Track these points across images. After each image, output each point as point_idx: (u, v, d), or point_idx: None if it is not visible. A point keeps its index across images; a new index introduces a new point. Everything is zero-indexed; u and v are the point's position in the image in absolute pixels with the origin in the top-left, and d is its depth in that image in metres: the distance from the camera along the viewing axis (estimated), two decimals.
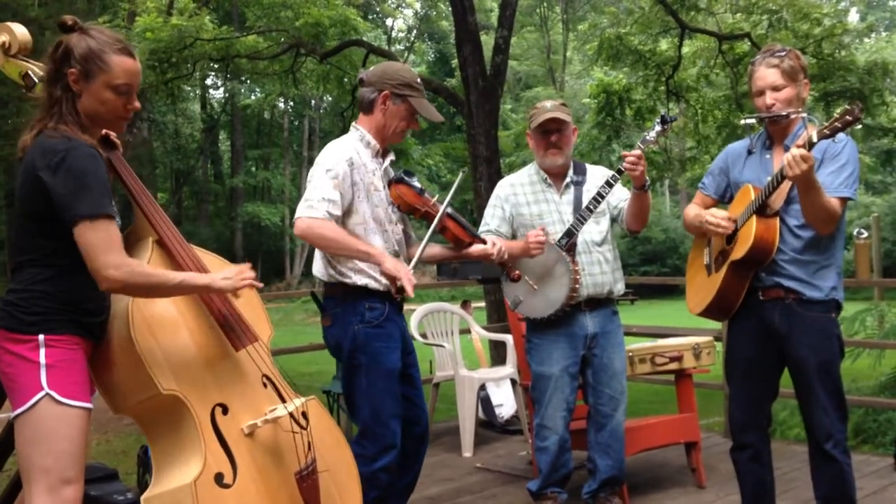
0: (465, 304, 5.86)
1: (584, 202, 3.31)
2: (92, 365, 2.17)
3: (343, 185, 2.74)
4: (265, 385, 2.41)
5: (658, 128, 3.19)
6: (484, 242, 2.95)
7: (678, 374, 4.00)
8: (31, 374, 2.03)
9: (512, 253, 3.09)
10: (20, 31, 2.30)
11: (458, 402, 4.79)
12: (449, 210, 2.89)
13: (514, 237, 3.42)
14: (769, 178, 2.66)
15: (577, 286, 3.25)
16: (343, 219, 2.76)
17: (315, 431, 2.41)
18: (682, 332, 5.10)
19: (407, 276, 2.69)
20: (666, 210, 30.76)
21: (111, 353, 2.20)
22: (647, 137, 3.19)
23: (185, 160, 30.36)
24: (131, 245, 2.33)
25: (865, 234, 12.28)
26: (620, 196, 3.40)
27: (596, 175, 3.46)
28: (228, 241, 28.81)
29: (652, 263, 25.91)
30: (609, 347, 3.40)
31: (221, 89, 29.96)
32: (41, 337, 2.05)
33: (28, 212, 2.09)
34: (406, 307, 2.90)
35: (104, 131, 2.28)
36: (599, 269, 3.36)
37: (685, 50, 10.19)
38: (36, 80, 2.31)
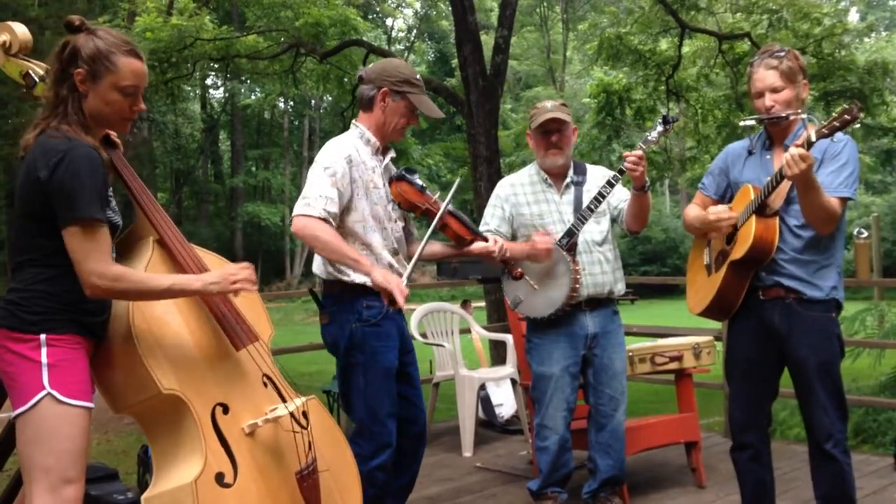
0: (465, 304, 5.86)
1: (585, 202, 3.31)
2: (93, 364, 2.17)
3: (341, 182, 2.74)
4: (266, 384, 2.41)
5: (660, 128, 3.19)
6: (485, 240, 2.95)
7: (678, 374, 4.00)
8: (33, 374, 2.03)
9: (516, 256, 3.09)
10: (21, 30, 2.30)
11: (458, 401, 4.79)
12: (450, 207, 2.88)
13: (514, 237, 3.42)
14: (768, 179, 2.66)
15: (578, 286, 3.25)
16: (342, 216, 2.76)
17: (315, 431, 2.42)
18: (683, 331, 5.10)
19: (398, 287, 2.67)
20: (666, 210, 30.75)
21: (112, 352, 2.20)
22: (649, 138, 3.19)
23: (185, 160, 30.34)
24: (132, 244, 2.33)
25: (865, 234, 12.28)
26: (621, 196, 3.40)
27: (596, 175, 3.46)
28: (228, 241, 28.80)
29: (652, 263, 25.90)
30: (609, 347, 3.40)
31: (221, 89, 29.98)
32: (43, 336, 2.05)
33: (28, 212, 2.09)
34: (406, 306, 2.90)
35: (106, 131, 2.28)
36: (600, 268, 3.36)
37: (685, 49, 10.19)
38: (37, 79, 2.31)
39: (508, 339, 5.02)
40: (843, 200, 2.64)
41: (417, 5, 32.04)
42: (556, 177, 3.43)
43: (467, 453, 4.67)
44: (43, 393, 2.02)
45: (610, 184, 3.24)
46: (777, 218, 2.71)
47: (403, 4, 32.81)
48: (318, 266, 2.89)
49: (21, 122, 11.47)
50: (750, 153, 2.87)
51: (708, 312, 2.94)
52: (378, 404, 2.78)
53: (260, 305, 2.52)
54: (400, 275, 2.81)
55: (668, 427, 3.95)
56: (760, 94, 2.74)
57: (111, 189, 2.20)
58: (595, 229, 3.37)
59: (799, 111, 2.71)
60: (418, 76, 2.90)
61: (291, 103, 31.31)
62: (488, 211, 3.49)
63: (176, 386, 2.18)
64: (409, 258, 2.96)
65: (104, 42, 2.12)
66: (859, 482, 3.03)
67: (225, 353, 2.33)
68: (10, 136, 11.70)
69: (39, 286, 2.08)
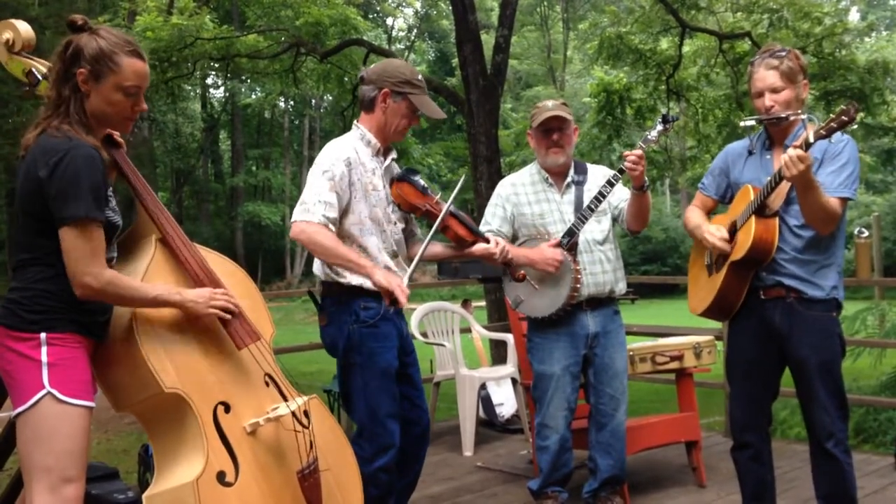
0: (465, 304, 5.86)
1: (586, 201, 3.31)
2: (94, 363, 2.18)
3: (340, 185, 2.74)
4: (267, 384, 2.41)
5: (659, 127, 3.18)
6: (487, 241, 2.94)
7: (679, 374, 4.00)
8: (33, 373, 2.03)
9: (520, 262, 3.09)
10: (24, 28, 2.30)
11: (459, 401, 4.79)
12: (452, 208, 2.87)
13: (514, 237, 3.42)
14: (768, 179, 2.66)
15: (579, 285, 3.25)
16: (340, 219, 2.76)
17: (317, 430, 2.41)
18: (683, 331, 5.11)
19: (399, 287, 2.68)
20: (666, 209, 30.76)
21: (114, 350, 2.20)
22: (649, 137, 3.19)
23: (185, 159, 30.36)
24: (135, 242, 2.34)
25: (866, 234, 12.27)
26: (621, 196, 3.39)
27: (597, 174, 3.45)
28: (229, 241, 28.82)
29: (652, 263, 25.92)
30: (610, 347, 3.40)
31: (222, 88, 29.99)
32: (43, 335, 2.05)
33: (29, 211, 2.09)
34: (407, 306, 2.90)
35: (108, 130, 2.28)
36: (601, 268, 3.36)
37: (686, 49, 10.19)
38: (39, 77, 2.31)
39: (509, 338, 5.02)
40: (844, 200, 2.64)
41: (418, 4, 32.06)
42: (557, 176, 3.43)
43: (468, 453, 4.68)
44: (43, 392, 2.02)
45: (610, 183, 3.24)
46: (777, 218, 2.71)
47: (404, 4, 32.83)
48: (317, 266, 2.90)
49: (22, 120, 11.48)
50: (750, 153, 2.87)
51: (709, 313, 2.94)
52: (377, 405, 2.78)
53: (262, 305, 2.52)
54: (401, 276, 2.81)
55: (668, 426, 3.95)
56: (760, 94, 2.74)
57: (112, 189, 2.20)
58: (596, 229, 3.37)
59: (799, 111, 2.71)
60: (420, 77, 2.89)
61: (292, 103, 31.34)
62: (489, 210, 3.49)
63: (178, 385, 2.18)
64: (409, 259, 2.96)
65: (107, 42, 2.12)
66: (860, 482, 3.03)
67: (227, 352, 2.33)
68: (10, 135, 11.70)
69: (40, 285, 2.08)
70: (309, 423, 2.40)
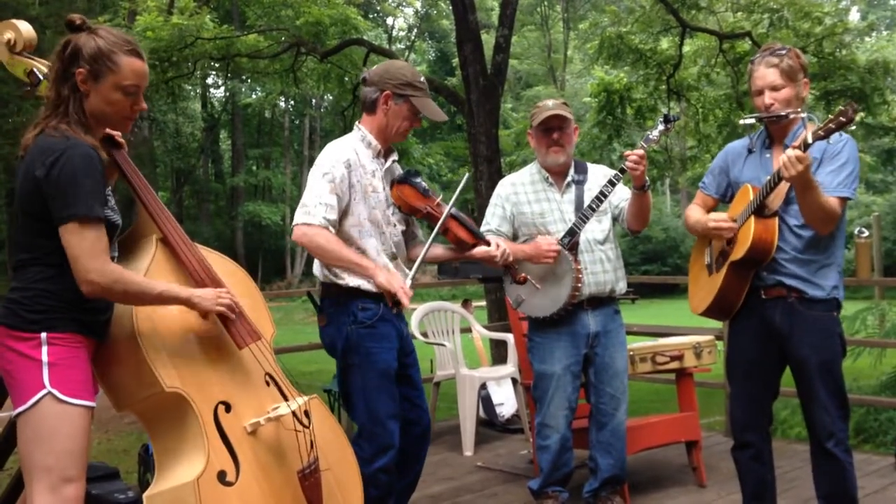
0: (465, 303, 5.86)
1: (586, 201, 3.31)
2: (95, 362, 2.18)
3: (340, 187, 2.74)
4: (268, 383, 2.41)
5: (661, 127, 3.18)
6: (488, 244, 2.94)
7: (679, 373, 4.00)
8: (34, 372, 2.03)
9: (517, 257, 3.08)
10: (25, 28, 2.30)
11: (459, 401, 4.79)
12: (453, 211, 2.87)
13: (515, 236, 3.42)
14: (767, 179, 2.66)
15: (580, 285, 3.25)
16: (339, 220, 2.77)
17: (317, 430, 2.42)
18: (683, 331, 5.11)
19: (402, 288, 2.69)
20: (666, 209, 30.76)
21: (115, 349, 2.20)
22: (650, 137, 3.18)
23: (185, 159, 30.35)
24: (136, 242, 2.34)
25: (866, 234, 12.26)
26: (622, 195, 3.39)
27: (597, 174, 3.45)
28: (229, 240, 28.82)
29: (653, 262, 25.92)
30: (611, 346, 3.40)
31: (222, 88, 29.98)
32: (43, 335, 2.05)
33: (28, 211, 2.09)
34: (408, 307, 2.89)
35: (108, 130, 2.28)
36: (601, 267, 3.36)
37: (686, 49, 10.19)
38: (41, 77, 2.32)
39: (509, 338, 5.02)
40: (843, 200, 2.64)
41: (418, 4, 32.06)
42: (557, 175, 3.43)
43: (468, 452, 4.68)
44: (43, 392, 2.02)
45: (612, 183, 3.24)
46: (776, 218, 2.71)
47: (404, 3, 32.84)
48: (316, 268, 2.91)
49: (22, 120, 11.48)
50: (750, 152, 2.87)
51: (709, 312, 2.94)
52: (377, 406, 2.78)
53: (262, 304, 2.52)
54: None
55: (669, 426, 3.95)
56: (760, 92, 2.73)
57: (110, 188, 2.20)
58: (597, 228, 3.36)
59: (799, 110, 2.71)
60: (422, 79, 2.89)
61: (292, 102, 31.34)
62: (489, 210, 3.49)
63: (179, 384, 2.18)
64: (409, 261, 2.96)
65: (106, 41, 2.12)
66: (860, 481, 3.02)
67: (228, 352, 2.33)
68: (10, 134, 11.70)
69: (40, 285, 2.08)
70: (309, 423, 2.40)
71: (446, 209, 2.85)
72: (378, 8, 30.00)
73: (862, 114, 9.56)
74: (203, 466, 2.14)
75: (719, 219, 2.81)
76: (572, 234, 3.27)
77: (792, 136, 2.73)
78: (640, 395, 7.16)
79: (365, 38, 11.16)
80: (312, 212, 2.69)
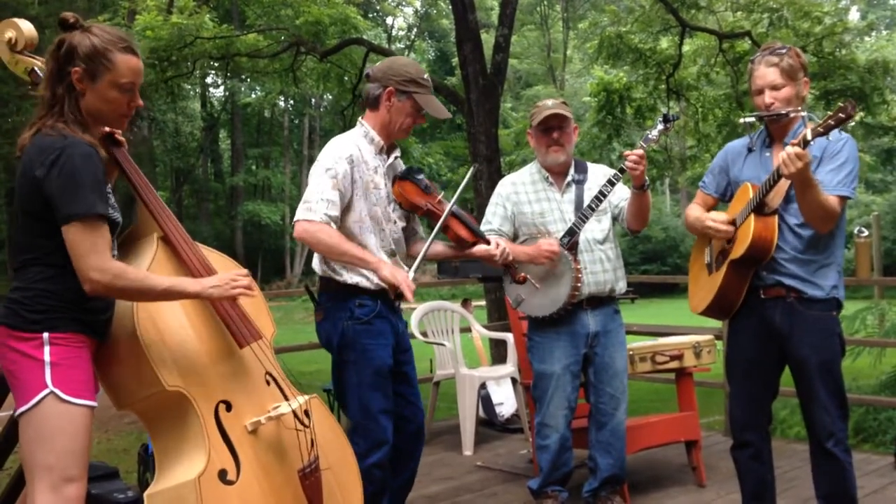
0: (465, 303, 5.86)
1: (586, 201, 3.31)
2: (97, 361, 2.18)
3: (342, 183, 2.74)
4: (268, 382, 2.41)
5: (660, 126, 3.18)
6: (488, 242, 2.94)
7: (679, 373, 4.00)
8: (36, 372, 2.03)
9: (518, 258, 3.08)
10: (26, 27, 2.29)
11: (459, 400, 4.79)
12: (454, 209, 2.87)
13: (515, 236, 3.42)
14: (766, 177, 2.66)
15: (580, 284, 3.25)
16: (341, 216, 2.77)
17: (317, 429, 2.42)
18: (683, 330, 5.11)
19: (405, 282, 2.69)
20: (666, 209, 30.77)
21: (116, 349, 2.20)
22: (650, 136, 3.19)
23: (185, 159, 30.35)
24: (136, 241, 2.34)
25: (866, 233, 12.26)
26: (622, 195, 3.39)
27: (597, 173, 3.46)
28: (229, 240, 28.82)
29: (652, 262, 25.93)
30: (610, 346, 3.40)
31: (221, 88, 29.98)
32: (46, 335, 2.05)
33: (28, 211, 2.09)
34: (407, 306, 2.90)
35: (109, 129, 2.28)
36: (601, 267, 3.36)
37: (686, 48, 10.19)
38: (42, 75, 2.31)
39: (509, 337, 5.02)
40: (842, 199, 2.64)
41: (418, 4, 32.08)
42: (557, 175, 3.43)
43: (468, 452, 4.68)
44: (46, 391, 2.02)
45: (611, 182, 3.24)
46: (776, 216, 2.71)
47: (404, 3, 32.86)
48: (315, 263, 2.91)
49: (22, 120, 11.48)
50: (750, 151, 2.88)
51: (709, 312, 2.94)
52: (370, 401, 2.79)
53: (262, 304, 2.52)
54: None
55: (668, 426, 3.95)
56: (760, 91, 2.74)
57: (110, 187, 2.20)
58: (596, 228, 3.37)
59: (799, 109, 2.71)
60: (426, 75, 2.88)
61: (291, 102, 31.33)
62: (490, 209, 3.49)
63: (180, 383, 2.18)
64: (409, 258, 2.96)
65: (100, 39, 2.11)
66: (860, 481, 3.03)
67: (229, 351, 2.33)
68: (10, 134, 11.71)
69: (41, 285, 2.08)
70: (310, 422, 2.40)
71: (447, 207, 2.85)
72: (378, 7, 30.01)
73: (862, 113, 9.56)
74: (204, 465, 2.14)
75: (717, 220, 2.81)
76: (572, 233, 3.27)
77: (792, 135, 2.73)
78: (640, 395, 7.16)
79: (364, 37, 11.15)
80: (314, 208, 2.69)
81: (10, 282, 2.16)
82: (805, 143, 2.46)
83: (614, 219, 3.45)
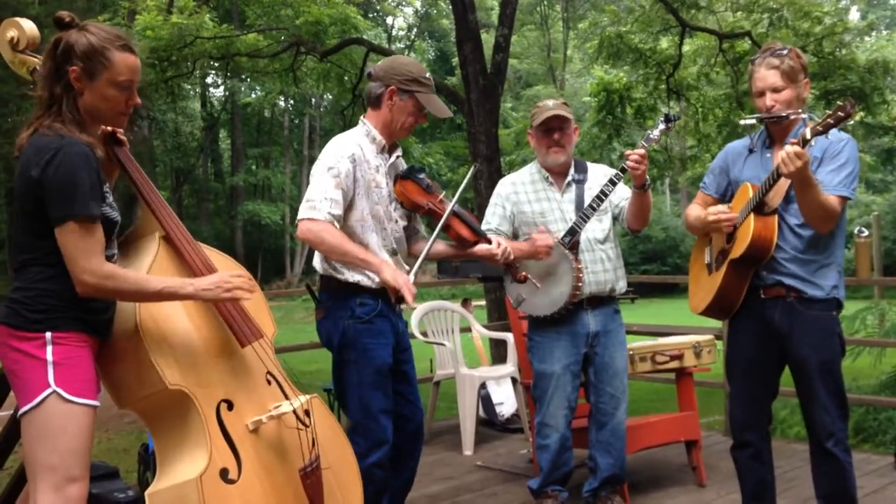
0: (465, 303, 5.87)
1: (586, 200, 3.31)
2: (99, 360, 2.18)
3: (345, 182, 2.74)
4: (269, 382, 2.42)
5: (661, 126, 3.19)
6: (489, 242, 2.94)
7: (679, 373, 4.00)
8: (38, 372, 2.03)
9: (517, 255, 3.09)
10: (28, 26, 2.29)
11: (459, 400, 4.79)
12: (455, 208, 2.87)
13: (515, 236, 3.42)
14: (766, 177, 2.67)
15: (581, 284, 3.25)
16: (343, 215, 2.77)
17: (318, 429, 2.42)
18: (683, 330, 5.11)
19: (407, 285, 2.68)
20: (666, 209, 30.78)
21: (118, 347, 2.20)
22: (651, 136, 3.19)
23: (185, 158, 30.35)
24: (138, 240, 2.34)
25: (866, 233, 12.25)
26: (622, 195, 3.40)
27: (597, 173, 3.46)
28: (229, 240, 28.82)
29: (652, 262, 25.94)
30: (611, 346, 3.40)
31: (222, 87, 29.98)
32: (48, 334, 2.05)
33: (25, 211, 2.09)
34: (404, 305, 2.89)
35: (111, 129, 2.28)
36: (602, 266, 3.36)
37: (686, 48, 10.19)
38: None
39: (509, 337, 5.02)
40: (842, 199, 2.64)
41: (418, 3, 32.08)
42: (557, 175, 3.43)
43: (468, 452, 4.68)
44: (48, 391, 2.02)
45: (612, 182, 3.24)
46: (776, 216, 2.71)
47: (404, 3, 32.85)
48: (316, 261, 2.91)
49: (21, 120, 11.47)
50: (751, 151, 2.88)
51: (709, 311, 2.94)
52: (370, 401, 2.79)
53: (263, 303, 2.52)
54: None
55: (668, 426, 3.96)
56: (761, 94, 2.74)
57: (107, 185, 2.20)
58: (597, 227, 3.37)
59: (800, 111, 2.71)
60: (427, 75, 2.89)
61: (292, 102, 31.34)
62: (490, 209, 3.49)
63: (182, 381, 2.18)
64: (410, 257, 2.96)
65: (97, 38, 2.11)
66: (860, 481, 3.03)
67: (230, 350, 2.33)
68: (10, 134, 11.70)
69: (42, 284, 2.08)
70: (311, 422, 2.40)
71: (449, 206, 2.85)
72: (378, 7, 30.00)
73: (862, 113, 9.57)
74: (206, 464, 2.14)
75: (718, 210, 2.80)
76: (573, 233, 3.27)
77: (792, 137, 2.73)
78: (640, 395, 7.17)
79: (365, 37, 11.16)
80: (318, 207, 2.69)
81: (10, 282, 2.16)
82: (804, 143, 2.46)
83: (615, 218, 3.45)
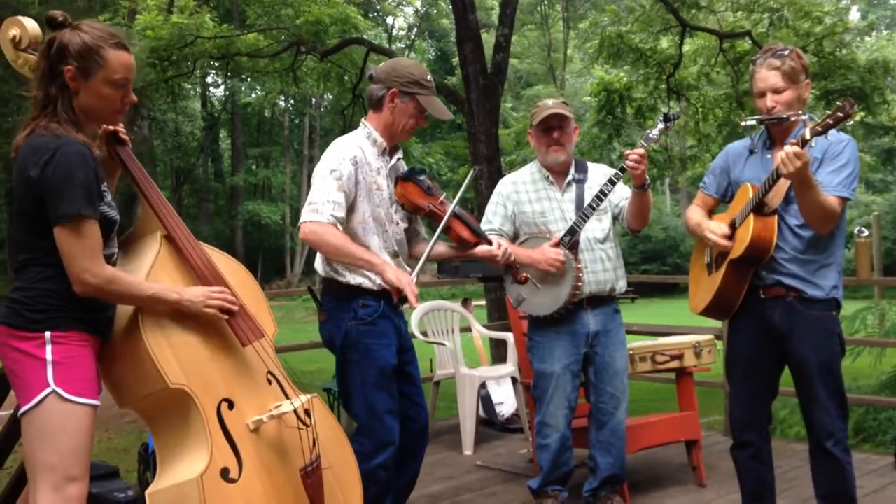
0: (465, 303, 5.87)
1: (587, 200, 3.31)
2: (100, 359, 2.18)
3: (347, 184, 2.75)
4: (270, 381, 2.42)
5: (661, 126, 3.18)
6: (490, 243, 2.94)
7: (679, 373, 4.00)
8: (38, 371, 2.03)
9: (523, 262, 3.09)
10: (30, 24, 2.29)
11: (459, 400, 4.79)
12: (456, 210, 2.87)
13: (516, 235, 3.42)
14: (766, 177, 2.67)
15: (580, 284, 3.25)
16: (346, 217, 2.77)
17: (318, 428, 2.42)
18: (683, 330, 5.11)
19: (410, 285, 2.69)
20: (666, 209, 30.78)
21: (119, 347, 2.21)
22: (650, 136, 3.19)
23: (185, 158, 30.35)
24: (140, 239, 2.35)
25: (866, 233, 12.25)
26: (622, 194, 3.40)
27: (597, 173, 3.46)
28: (229, 239, 28.82)
29: (652, 262, 25.94)
30: (611, 346, 3.40)
31: (222, 87, 29.99)
32: (48, 334, 2.05)
33: (24, 211, 2.09)
34: (406, 305, 2.90)
35: (113, 128, 2.28)
36: (602, 266, 3.36)
37: (686, 48, 10.19)
38: None
39: (509, 337, 5.02)
40: (842, 200, 2.64)
41: (418, 3, 32.07)
42: (557, 174, 3.43)
43: (468, 452, 4.68)
44: (48, 390, 2.02)
45: (612, 182, 3.24)
46: (775, 216, 2.72)
47: (404, 3, 32.84)
48: (318, 263, 2.92)
49: (21, 119, 11.47)
50: (751, 152, 2.88)
51: (709, 311, 2.94)
52: (375, 402, 2.79)
53: (264, 303, 2.52)
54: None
55: (668, 425, 3.96)
56: (762, 95, 2.74)
57: (105, 184, 2.20)
58: (597, 227, 3.37)
59: (800, 111, 2.71)
60: (429, 77, 2.89)
61: (292, 101, 31.34)
62: (490, 209, 3.49)
63: (183, 380, 2.18)
64: (411, 259, 2.96)
65: (91, 36, 2.10)
66: (860, 481, 3.03)
67: (231, 349, 2.34)
68: (10, 133, 11.70)
69: (42, 284, 2.08)
70: (311, 421, 2.40)
71: (450, 207, 2.85)
72: (378, 7, 30.00)
73: (862, 113, 9.56)
74: (206, 463, 2.14)
75: (717, 233, 2.81)
76: (573, 232, 3.27)
77: (793, 138, 2.73)
78: (640, 395, 7.17)
79: (365, 37, 11.16)
80: (321, 209, 2.70)
81: (10, 282, 2.16)
82: (804, 143, 2.46)
83: (615, 218, 3.45)
